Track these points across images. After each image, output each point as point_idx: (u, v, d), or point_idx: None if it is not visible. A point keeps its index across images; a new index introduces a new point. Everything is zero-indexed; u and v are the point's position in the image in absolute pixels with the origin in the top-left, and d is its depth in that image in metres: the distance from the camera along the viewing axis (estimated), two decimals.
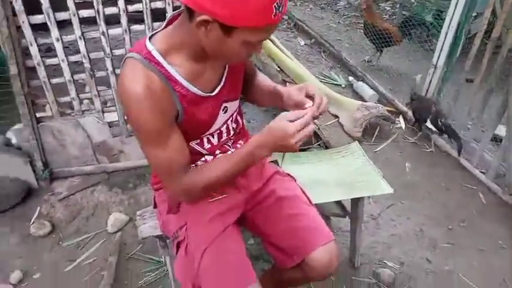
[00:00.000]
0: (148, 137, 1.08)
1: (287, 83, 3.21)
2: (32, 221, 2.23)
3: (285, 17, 4.98)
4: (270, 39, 3.82)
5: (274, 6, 0.92)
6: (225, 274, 1.22)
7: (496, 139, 2.64)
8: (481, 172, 2.62)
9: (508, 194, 2.43)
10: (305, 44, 4.40)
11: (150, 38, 1.08)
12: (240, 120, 1.37)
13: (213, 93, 1.17)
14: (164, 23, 1.13)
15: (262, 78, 1.45)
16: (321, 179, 1.85)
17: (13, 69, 2.00)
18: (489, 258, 2.12)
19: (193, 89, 1.11)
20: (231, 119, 1.29)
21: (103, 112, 2.30)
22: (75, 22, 2.02)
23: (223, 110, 1.23)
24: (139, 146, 1.12)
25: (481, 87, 2.56)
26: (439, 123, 2.73)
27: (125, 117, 1.10)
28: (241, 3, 0.90)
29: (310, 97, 1.20)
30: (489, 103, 2.54)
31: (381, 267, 2.04)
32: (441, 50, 2.75)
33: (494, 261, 2.11)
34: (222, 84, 1.19)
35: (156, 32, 1.11)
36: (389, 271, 2.01)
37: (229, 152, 1.33)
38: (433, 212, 2.40)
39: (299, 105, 1.19)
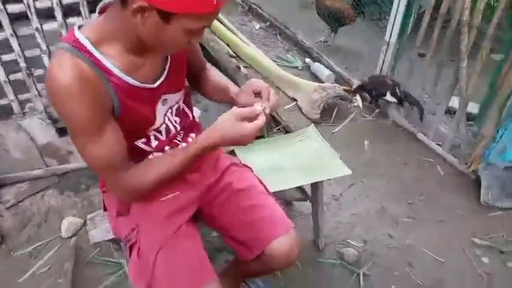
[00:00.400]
0: (79, 129, 1.00)
1: (241, 68, 3.15)
2: None
3: (239, 1, 4.89)
4: (223, 24, 3.75)
5: None
6: (180, 274, 1.18)
7: (450, 111, 2.69)
8: (438, 144, 2.67)
9: (464, 163, 2.48)
10: (260, 28, 4.34)
11: (79, 28, 1.00)
12: (188, 112, 1.31)
13: (154, 85, 1.10)
14: (96, 13, 1.04)
15: (214, 73, 1.40)
16: (278, 165, 1.82)
17: None
18: (449, 229, 2.17)
19: (129, 80, 1.04)
20: (170, 111, 1.22)
21: (46, 112, 2.17)
22: (4, 18, 1.87)
23: (161, 102, 1.16)
24: (75, 146, 1.04)
25: (433, 61, 2.60)
26: (398, 93, 2.76)
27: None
28: None
29: (258, 94, 1.18)
30: (442, 76, 2.57)
31: (345, 247, 2.05)
32: (393, 26, 2.76)
33: (454, 230, 2.16)
34: (164, 76, 1.12)
35: (87, 22, 1.03)
36: (353, 250, 2.03)
37: (179, 147, 1.26)
38: (392, 188, 2.43)
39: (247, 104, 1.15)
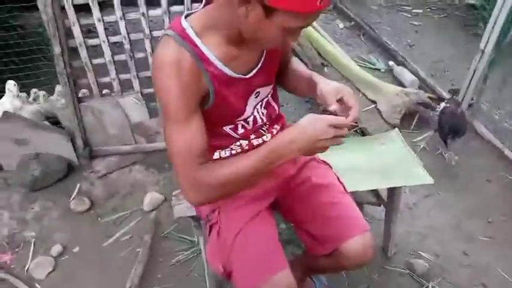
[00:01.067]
0: (170, 112, 1.04)
1: (325, 67, 3.15)
2: (72, 197, 2.32)
3: None
4: (314, 28, 3.74)
5: None
6: (255, 259, 1.22)
7: None
8: None
9: None
10: (344, 27, 4.28)
11: (186, 17, 1.07)
12: (274, 105, 1.35)
13: (247, 76, 1.15)
14: (202, 4, 1.11)
15: (297, 65, 1.41)
16: (358, 166, 1.80)
17: (57, 50, 2.06)
18: None
19: (226, 70, 1.09)
20: (260, 103, 1.26)
21: (141, 93, 2.33)
22: (116, 3, 2.03)
23: (255, 95, 1.21)
24: (162, 124, 1.11)
25: None
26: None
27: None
28: None
29: (343, 102, 1.14)
30: None
31: (415, 258, 2.00)
32: (490, 34, 2.60)
33: None
34: (258, 68, 1.17)
35: (193, 12, 1.10)
36: (424, 262, 1.97)
37: (264, 137, 1.31)
38: (472, 204, 2.31)
39: (326, 106, 1.14)
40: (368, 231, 1.33)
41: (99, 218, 2.25)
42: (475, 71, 2.76)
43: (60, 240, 2.14)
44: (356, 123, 1.00)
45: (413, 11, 4.66)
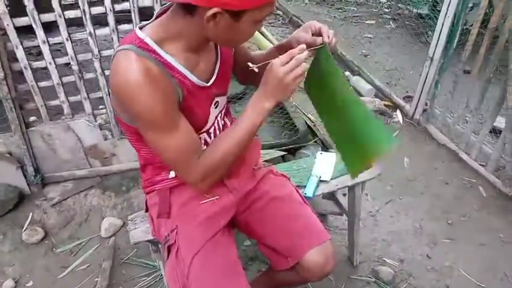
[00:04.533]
0: (155, 124, 1.02)
1: None
2: (25, 227, 2.19)
3: (280, 13, 4.95)
4: (263, 35, 3.79)
5: None
6: (214, 280, 1.19)
7: (495, 131, 2.60)
8: (481, 165, 2.58)
9: (508, 186, 2.38)
10: None
11: (140, 29, 1.04)
12: (228, 120, 1.34)
13: (209, 84, 1.14)
14: (154, 17, 1.09)
15: (259, 52, 1.41)
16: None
17: None
18: (490, 253, 2.09)
19: (192, 78, 1.08)
20: (220, 115, 1.26)
21: (93, 115, 2.25)
22: (61, 23, 1.97)
23: (214, 105, 1.20)
24: (148, 140, 1.07)
25: (479, 78, 2.52)
26: None
27: (117, 117, 1.05)
28: None
29: (318, 34, 1.15)
30: (487, 94, 2.49)
31: (380, 265, 2.01)
32: (437, 41, 2.69)
33: (495, 255, 2.07)
34: (215, 75, 1.16)
35: (146, 24, 1.07)
36: (389, 268, 1.98)
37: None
38: (432, 207, 2.36)
39: (312, 46, 1.12)
40: (328, 240, 1.32)
41: (54, 248, 2.13)
42: (426, 77, 2.86)
43: (12, 274, 2.01)
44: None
45: (366, 22, 4.82)
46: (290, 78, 1.03)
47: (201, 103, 1.14)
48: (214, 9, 0.92)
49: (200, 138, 1.21)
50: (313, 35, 1.14)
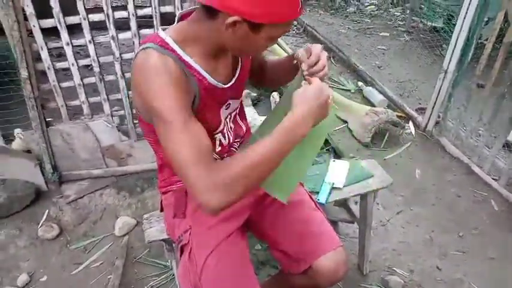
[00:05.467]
0: (171, 118, 0.96)
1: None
2: (41, 223, 2.24)
3: (295, 23, 4.99)
4: (278, 44, 3.83)
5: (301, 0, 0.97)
6: (226, 282, 1.21)
7: (508, 145, 2.60)
8: (493, 179, 2.58)
9: None
10: None
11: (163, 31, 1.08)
12: (241, 124, 1.37)
13: (226, 86, 1.16)
14: (176, 20, 1.12)
15: (272, 59, 1.45)
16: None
17: (23, 73, 2.02)
18: (500, 267, 2.08)
19: (210, 79, 1.11)
20: (229, 117, 1.28)
21: (112, 116, 2.30)
22: (85, 26, 2.03)
23: (225, 106, 1.23)
24: (160, 137, 1.01)
25: (493, 92, 2.53)
26: None
27: (138, 116, 1.05)
28: (272, 2, 0.94)
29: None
30: (501, 109, 2.50)
31: (390, 275, 2.01)
32: (452, 54, 2.71)
33: (506, 269, 2.07)
34: (235, 78, 1.20)
35: (168, 27, 1.10)
36: (398, 278, 1.98)
37: None
38: (443, 219, 2.36)
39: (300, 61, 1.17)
40: (340, 246, 1.33)
41: (68, 245, 2.17)
42: (440, 90, 2.87)
43: (27, 269, 2.05)
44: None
45: (381, 34, 4.84)
46: (326, 96, 1.05)
47: (215, 103, 1.17)
48: (235, 18, 0.95)
49: (215, 138, 1.23)
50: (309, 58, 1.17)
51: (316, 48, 1.16)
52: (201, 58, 1.08)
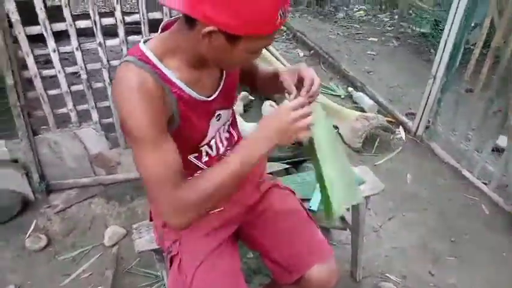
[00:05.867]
0: (140, 137, 0.99)
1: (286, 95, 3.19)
2: (28, 234, 2.19)
3: (284, 28, 5.01)
4: (268, 50, 3.83)
5: (279, 13, 0.92)
6: None
7: (498, 149, 2.62)
8: (483, 183, 2.59)
9: (510, 204, 2.39)
10: (304, 55, 4.41)
11: (144, 42, 1.06)
12: (233, 132, 1.36)
13: (210, 98, 1.14)
14: (159, 30, 1.11)
15: (263, 68, 1.42)
16: None
17: (9, 81, 1.99)
18: (493, 271, 2.08)
19: (191, 92, 1.08)
20: (223, 128, 1.26)
21: (100, 124, 2.27)
22: (72, 33, 2.00)
23: (216, 118, 1.20)
24: (132, 153, 1.05)
25: (481, 97, 2.55)
26: None
27: (121, 127, 1.07)
28: (248, 13, 0.90)
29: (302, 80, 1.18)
30: (489, 113, 2.52)
31: (383, 281, 2.00)
32: (440, 60, 2.73)
33: (499, 273, 2.07)
34: (219, 90, 1.17)
35: (150, 38, 1.09)
36: (392, 285, 1.98)
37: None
38: (435, 224, 2.36)
39: (288, 92, 1.17)
40: (331, 256, 1.33)
41: (56, 256, 2.13)
42: (429, 95, 2.89)
43: (14, 281, 2.00)
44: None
45: (369, 39, 4.88)
46: (296, 127, 1.02)
47: (201, 116, 1.15)
48: (210, 28, 0.92)
49: (201, 150, 1.21)
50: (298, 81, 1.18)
51: (309, 73, 1.18)
52: (182, 70, 1.06)
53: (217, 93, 1.16)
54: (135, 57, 1.01)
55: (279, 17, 0.93)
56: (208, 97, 1.14)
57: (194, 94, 1.09)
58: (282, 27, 0.99)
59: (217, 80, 1.18)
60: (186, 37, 1.00)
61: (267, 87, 1.39)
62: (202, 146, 1.22)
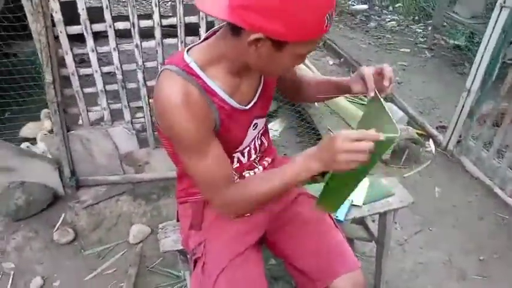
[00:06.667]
0: (189, 147, 1.06)
1: (315, 103, 3.18)
2: (56, 227, 2.25)
3: None
4: None
5: (326, 17, 0.92)
6: None
7: None
8: None
9: None
10: (334, 64, 4.38)
11: (187, 51, 1.08)
12: (264, 139, 1.36)
13: (247, 107, 1.16)
14: (202, 37, 1.13)
15: (312, 75, 1.43)
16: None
17: (48, 78, 2.05)
18: None
19: (232, 102, 1.10)
20: (257, 136, 1.28)
21: (132, 123, 2.32)
22: (111, 34, 2.06)
23: (253, 127, 1.22)
24: (181, 159, 1.10)
25: None
26: None
27: (157, 128, 1.09)
28: (296, 19, 0.89)
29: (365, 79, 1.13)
30: None
31: None
32: (476, 74, 2.67)
33: None
34: (256, 98, 1.18)
35: (193, 46, 1.10)
36: None
37: (255, 170, 1.31)
38: (463, 241, 2.29)
39: (369, 80, 1.11)
40: (358, 268, 1.30)
41: (82, 250, 2.18)
42: (462, 108, 2.82)
43: (41, 272, 2.06)
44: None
45: (401, 50, 4.80)
46: (346, 159, 0.92)
47: (239, 125, 1.16)
48: (257, 35, 0.92)
49: (234, 157, 1.23)
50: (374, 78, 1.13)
51: (388, 71, 1.14)
52: (223, 78, 1.08)
53: (255, 100, 1.17)
54: (178, 67, 1.03)
55: (326, 21, 0.92)
56: (246, 105, 1.15)
57: (233, 103, 1.11)
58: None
59: (255, 88, 1.18)
60: (230, 45, 1.01)
61: (319, 93, 1.34)
62: (236, 153, 1.23)
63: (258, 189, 1.10)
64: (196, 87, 1.03)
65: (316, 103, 3.14)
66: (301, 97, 1.46)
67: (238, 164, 1.26)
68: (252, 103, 1.17)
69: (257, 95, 1.18)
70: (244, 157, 1.26)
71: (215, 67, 1.06)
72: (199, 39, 1.14)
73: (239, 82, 1.12)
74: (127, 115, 2.29)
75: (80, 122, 2.33)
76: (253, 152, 1.28)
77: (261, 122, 1.25)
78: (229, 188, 1.11)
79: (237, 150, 1.22)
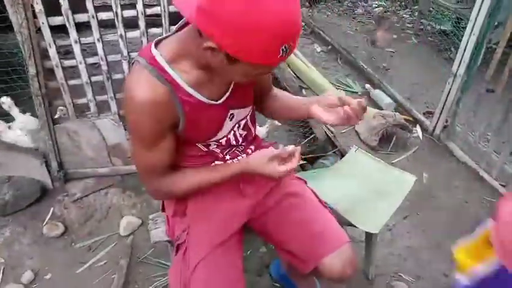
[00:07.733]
0: (141, 140, 1.12)
1: (303, 89, 3.18)
2: (45, 221, 2.23)
3: (302, 23, 4.96)
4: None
5: (282, 49, 0.91)
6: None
7: None
8: (501, 185, 2.55)
9: None
10: (321, 51, 4.37)
11: (156, 44, 1.08)
12: (251, 127, 1.36)
13: (219, 102, 1.16)
14: (174, 29, 1.12)
15: (282, 94, 1.45)
16: (354, 195, 1.80)
17: (31, 70, 2.02)
18: None
19: (198, 96, 1.10)
20: (237, 125, 1.27)
21: (119, 114, 2.30)
22: (94, 24, 2.02)
23: (229, 118, 1.22)
24: (131, 143, 1.20)
25: (503, 97, 2.50)
26: None
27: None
28: (248, 41, 0.89)
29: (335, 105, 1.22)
30: (510, 114, 2.47)
31: (396, 280, 1.99)
32: (461, 58, 2.69)
33: None
34: (228, 93, 1.18)
35: (163, 38, 1.11)
36: (405, 284, 1.96)
37: (239, 158, 1.32)
38: (450, 225, 2.33)
39: (332, 106, 1.22)
40: (346, 243, 1.31)
41: (73, 243, 2.17)
42: (448, 93, 2.84)
43: (32, 266, 2.05)
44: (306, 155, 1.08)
45: None
46: (276, 170, 1.15)
47: (210, 117, 1.16)
48: (211, 44, 0.92)
49: (210, 145, 1.24)
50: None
51: (333, 97, 1.22)
52: (191, 73, 1.08)
53: (226, 96, 1.17)
54: (145, 59, 1.04)
55: (281, 52, 0.91)
56: (218, 99, 1.15)
57: (200, 97, 1.11)
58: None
59: (229, 82, 1.18)
60: (195, 43, 1.00)
61: (283, 113, 1.44)
62: (212, 142, 1.24)
63: (187, 184, 1.22)
64: (161, 82, 1.04)
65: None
66: (265, 110, 1.46)
67: (218, 150, 1.27)
68: (224, 97, 1.17)
69: (230, 89, 1.18)
70: (222, 146, 1.27)
71: (182, 61, 1.07)
72: None
73: (209, 77, 1.10)
74: (113, 106, 2.27)
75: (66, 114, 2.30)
76: (233, 141, 1.28)
77: (238, 113, 1.24)
78: (163, 178, 1.20)
79: (212, 139, 1.23)
